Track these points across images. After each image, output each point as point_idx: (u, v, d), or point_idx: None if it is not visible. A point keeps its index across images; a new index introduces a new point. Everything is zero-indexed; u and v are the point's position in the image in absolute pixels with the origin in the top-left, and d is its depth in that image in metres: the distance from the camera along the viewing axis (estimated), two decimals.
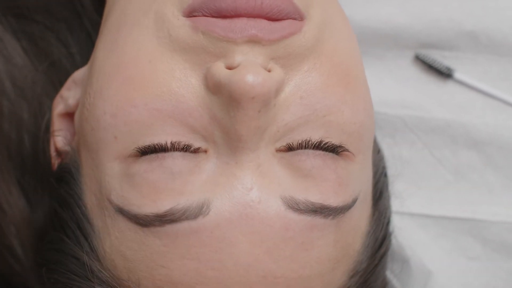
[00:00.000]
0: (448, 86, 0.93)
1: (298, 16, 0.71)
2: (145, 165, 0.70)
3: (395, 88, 0.94)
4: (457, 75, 0.68)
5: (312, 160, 0.70)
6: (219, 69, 0.69)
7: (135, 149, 0.70)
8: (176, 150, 0.69)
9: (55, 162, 0.81)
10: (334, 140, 0.71)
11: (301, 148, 0.70)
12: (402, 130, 0.94)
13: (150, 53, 0.71)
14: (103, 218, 0.73)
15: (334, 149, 0.71)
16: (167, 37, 0.71)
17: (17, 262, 0.86)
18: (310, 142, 0.70)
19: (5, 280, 0.87)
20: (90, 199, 0.74)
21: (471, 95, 0.93)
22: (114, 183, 0.71)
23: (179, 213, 0.68)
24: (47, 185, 0.84)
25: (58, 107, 0.82)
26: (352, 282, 0.75)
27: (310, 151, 0.71)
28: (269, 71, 0.70)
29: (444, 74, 0.68)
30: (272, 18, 0.70)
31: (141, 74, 0.70)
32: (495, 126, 0.92)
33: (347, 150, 0.72)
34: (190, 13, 0.70)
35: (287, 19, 0.70)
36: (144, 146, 0.69)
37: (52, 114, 0.83)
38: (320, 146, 0.71)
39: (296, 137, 0.71)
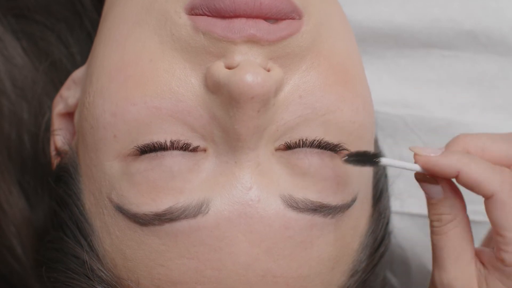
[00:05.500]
0: (448, 86, 0.93)
1: (296, 15, 0.71)
2: (144, 164, 0.70)
3: (395, 88, 0.94)
4: (384, 160, 0.72)
5: (310, 158, 0.71)
6: (218, 68, 0.69)
7: (135, 147, 0.70)
8: (175, 149, 0.69)
9: (55, 161, 0.81)
10: (333, 138, 0.71)
11: (299, 147, 0.71)
12: (403, 130, 0.94)
13: (151, 52, 0.71)
14: (102, 217, 0.73)
15: (332, 147, 0.71)
16: (169, 36, 0.71)
17: (17, 261, 0.86)
18: (307, 140, 0.71)
19: (5, 280, 0.87)
20: (88, 198, 0.74)
21: (471, 95, 0.93)
22: (114, 182, 0.71)
23: (178, 212, 0.69)
24: (47, 185, 0.84)
25: (58, 106, 0.82)
26: (351, 281, 0.75)
27: (308, 149, 0.71)
28: (268, 70, 0.70)
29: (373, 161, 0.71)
30: (271, 18, 0.70)
31: (141, 72, 0.71)
32: (495, 126, 0.92)
33: (345, 149, 0.72)
34: (192, 10, 0.70)
35: (286, 19, 0.71)
36: (144, 145, 0.70)
37: (52, 114, 0.83)
38: (317, 144, 0.71)
39: (295, 136, 0.71)
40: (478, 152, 0.70)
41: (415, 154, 0.71)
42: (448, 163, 0.69)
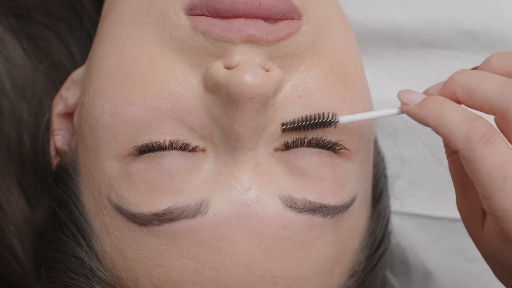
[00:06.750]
0: None
1: (295, 15, 0.71)
2: (143, 164, 0.70)
3: (395, 88, 0.93)
4: (342, 118, 0.72)
5: (309, 157, 0.71)
6: (217, 69, 0.69)
7: (134, 147, 0.70)
8: (174, 149, 0.69)
9: (54, 161, 0.82)
10: (331, 138, 0.71)
11: (297, 146, 0.71)
12: (403, 130, 0.94)
13: (150, 52, 0.71)
14: (101, 217, 0.73)
15: (331, 147, 0.71)
16: (168, 36, 0.71)
17: (17, 261, 0.86)
18: (306, 139, 0.71)
19: (5, 280, 0.87)
20: (87, 198, 0.75)
21: None
22: (113, 182, 0.71)
23: (178, 212, 0.69)
24: (46, 185, 0.84)
25: (58, 106, 0.83)
26: (351, 281, 0.75)
27: (307, 149, 0.71)
28: (267, 71, 0.70)
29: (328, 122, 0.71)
30: (271, 18, 0.70)
31: (140, 73, 0.71)
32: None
33: (344, 148, 0.72)
34: (191, 10, 0.70)
35: (285, 19, 0.70)
36: (143, 145, 0.70)
37: (51, 114, 0.83)
38: (315, 143, 0.71)
39: (294, 136, 0.71)
40: (464, 97, 0.68)
41: (401, 103, 0.70)
42: (420, 114, 0.68)
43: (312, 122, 0.70)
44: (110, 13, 0.77)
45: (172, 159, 0.69)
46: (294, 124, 0.70)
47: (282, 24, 0.70)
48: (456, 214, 0.92)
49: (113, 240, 0.72)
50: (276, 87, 0.69)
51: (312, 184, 0.71)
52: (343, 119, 0.71)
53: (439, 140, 0.70)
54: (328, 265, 0.73)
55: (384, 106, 0.93)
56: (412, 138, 0.93)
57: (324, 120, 0.71)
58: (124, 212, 0.71)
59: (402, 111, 0.70)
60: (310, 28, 0.72)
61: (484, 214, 0.70)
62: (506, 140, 0.66)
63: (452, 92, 0.69)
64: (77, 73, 0.82)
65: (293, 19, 0.71)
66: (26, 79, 0.88)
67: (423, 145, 0.93)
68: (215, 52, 0.70)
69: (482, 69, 0.70)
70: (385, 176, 0.85)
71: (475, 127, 0.65)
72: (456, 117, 0.66)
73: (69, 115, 0.82)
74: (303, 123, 0.70)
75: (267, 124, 0.70)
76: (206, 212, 0.69)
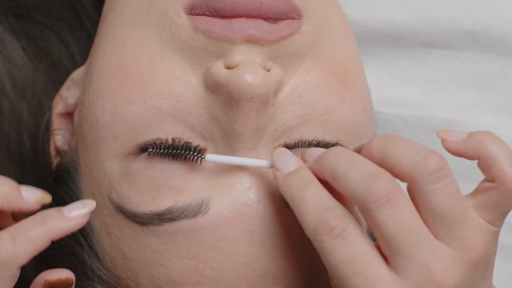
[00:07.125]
0: (448, 86, 0.93)
1: (296, 15, 0.71)
2: (145, 163, 0.70)
3: (395, 88, 0.94)
4: (208, 156, 0.68)
5: None
6: (218, 68, 0.69)
7: (135, 146, 0.70)
8: None
9: (55, 161, 0.82)
10: (332, 138, 0.71)
11: (297, 147, 0.71)
12: (403, 130, 0.94)
13: (151, 52, 0.71)
14: (102, 217, 0.73)
15: (330, 147, 0.71)
16: (169, 36, 0.71)
17: None
18: (307, 140, 0.71)
19: None
20: (88, 198, 0.74)
21: (471, 95, 0.93)
22: (114, 182, 0.71)
23: (178, 211, 0.69)
24: (46, 185, 0.84)
25: (58, 106, 0.83)
26: None
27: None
28: (268, 70, 0.70)
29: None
30: (271, 18, 0.70)
31: (141, 72, 0.71)
32: (495, 126, 0.92)
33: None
34: (191, 10, 0.70)
35: (285, 19, 0.71)
36: (145, 142, 0.70)
37: (51, 114, 0.83)
38: (315, 144, 0.71)
39: (294, 136, 0.71)
40: (330, 180, 0.64)
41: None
42: (282, 189, 0.66)
43: (178, 152, 0.69)
44: (110, 13, 0.77)
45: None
46: (160, 150, 0.69)
47: (283, 24, 0.70)
48: None
49: (113, 239, 0.72)
50: (276, 86, 0.70)
51: None
52: (209, 157, 0.69)
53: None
54: None
55: (383, 106, 0.94)
56: (412, 138, 0.93)
57: (191, 153, 0.69)
58: (125, 211, 0.71)
59: (271, 167, 0.68)
60: (310, 27, 0.72)
61: None
62: (364, 235, 0.63)
63: (321, 171, 0.66)
64: (77, 73, 0.82)
65: (293, 18, 0.71)
66: (26, 79, 0.88)
67: (423, 145, 0.93)
68: (215, 52, 0.70)
69: (363, 150, 0.66)
70: None
71: (326, 218, 0.63)
72: (311, 205, 0.64)
73: (69, 115, 0.82)
74: (169, 151, 0.69)
75: (267, 124, 0.70)
76: (207, 212, 0.69)
